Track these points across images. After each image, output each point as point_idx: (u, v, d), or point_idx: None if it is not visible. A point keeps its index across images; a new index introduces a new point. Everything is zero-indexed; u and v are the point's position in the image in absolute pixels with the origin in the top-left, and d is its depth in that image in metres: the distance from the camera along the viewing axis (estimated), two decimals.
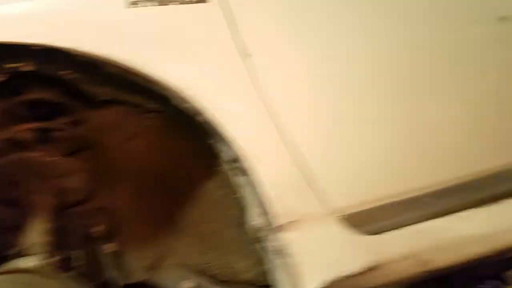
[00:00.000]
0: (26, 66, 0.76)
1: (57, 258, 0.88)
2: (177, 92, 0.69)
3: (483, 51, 0.90)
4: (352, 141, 0.74)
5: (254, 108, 0.71)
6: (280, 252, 0.68)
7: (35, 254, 0.84)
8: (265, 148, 0.68)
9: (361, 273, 0.66)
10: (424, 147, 0.77)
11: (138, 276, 1.00)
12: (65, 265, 0.93)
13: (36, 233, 0.86)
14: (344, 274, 0.66)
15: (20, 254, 0.86)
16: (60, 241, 0.91)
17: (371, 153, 0.74)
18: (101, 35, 0.71)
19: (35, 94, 0.88)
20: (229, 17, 0.81)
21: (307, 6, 0.87)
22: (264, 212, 0.66)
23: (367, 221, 0.68)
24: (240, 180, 0.77)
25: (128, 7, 0.75)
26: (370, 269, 0.66)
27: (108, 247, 0.99)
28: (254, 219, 0.69)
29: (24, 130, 0.91)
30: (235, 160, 0.71)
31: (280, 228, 0.65)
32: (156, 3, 0.77)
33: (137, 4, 0.75)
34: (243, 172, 0.70)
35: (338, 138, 0.74)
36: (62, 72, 0.77)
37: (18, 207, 0.91)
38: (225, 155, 0.78)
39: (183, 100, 0.69)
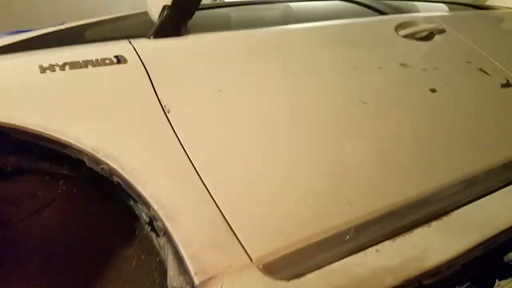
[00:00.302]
0: None
1: None
2: (91, 154, 0.68)
3: (390, 92, 1.04)
4: (268, 190, 0.77)
5: (170, 165, 0.73)
6: None
7: None
8: (182, 205, 0.68)
9: None
10: (338, 185, 0.82)
11: None
12: None
13: None
14: None
15: None
16: None
17: (287, 199, 0.77)
18: (13, 101, 0.70)
19: None
20: (146, 77, 0.85)
21: (222, 66, 0.96)
22: (184, 271, 0.65)
23: (287, 266, 0.69)
24: (160, 241, 0.76)
25: (43, 72, 0.76)
26: None
27: None
28: (175, 279, 0.67)
29: None
30: (154, 220, 0.71)
31: (201, 285, 0.64)
32: (71, 67, 0.79)
33: (50, 69, 0.76)
34: (162, 232, 0.70)
35: (254, 188, 0.77)
36: None
37: None
38: (144, 216, 0.77)
39: (98, 161, 0.69)
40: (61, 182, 0.89)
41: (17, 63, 0.79)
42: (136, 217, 0.90)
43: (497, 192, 0.94)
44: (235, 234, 0.69)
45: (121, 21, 1.27)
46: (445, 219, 0.84)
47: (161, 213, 0.66)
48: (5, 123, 0.66)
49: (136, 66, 0.88)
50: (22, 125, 0.67)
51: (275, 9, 1.71)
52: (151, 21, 1.08)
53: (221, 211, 0.70)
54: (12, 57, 0.84)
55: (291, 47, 1.10)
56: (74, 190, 0.91)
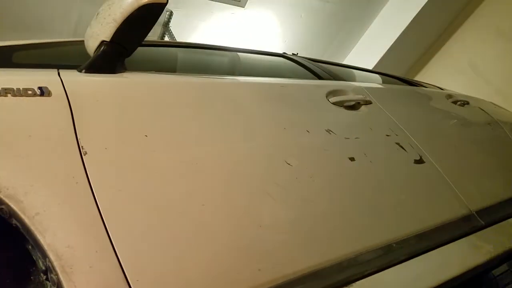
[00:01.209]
0: None
1: None
2: None
3: (313, 156, 1.08)
4: (175, 253, 0.74)
5: (76, 214, 0.68)
6: None
7: None
8: (80, 259, 0.64)
9: None
10: (248, 249, 0.82)
11: None
12: None
13: None
14: None
15: None
16: None
17: (193, 265, 0.74)
18: None
19: None
20: (69, 113, 0.81)
21: (153, 110, 0.95)
22: None
23: None
24: None
25: None
26: None
27: None
28: None
29: None
30: (48, 271, 0.65)
31: None
32: None
33: None
34: (55, 285, 0.64)
35: (161, 250, 0.73)
36: None
37: None
38: (40, 263, 0.71)
39: None
40: None
41: None
42: (32, 262, 0.83)
43: (408, 261, 1.01)
44: None
45: (55, 47, 1.22)
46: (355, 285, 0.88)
47: (57, 265, 0.62)
48: None
49: (60, 101, 0.84)
50: None
51: (218, 56, 1.76)
52: (82, 51, 1.05)
53: (123, 270, 0.67)
54: None
55: (227, 99, 1.12)
56: None
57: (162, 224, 0.75)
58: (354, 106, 1.38)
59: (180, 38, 3.55)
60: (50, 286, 0.76)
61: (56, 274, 0.61)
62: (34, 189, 0.68)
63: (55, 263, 0.62)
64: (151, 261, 0.70)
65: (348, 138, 1.19)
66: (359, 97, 1.43)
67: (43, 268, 0.71)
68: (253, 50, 1.81)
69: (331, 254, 0.91)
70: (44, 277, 0.76)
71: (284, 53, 2.05)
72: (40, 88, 0.83)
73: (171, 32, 3.49)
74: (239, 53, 1.81)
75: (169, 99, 1.01)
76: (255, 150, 1.01)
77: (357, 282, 0.90)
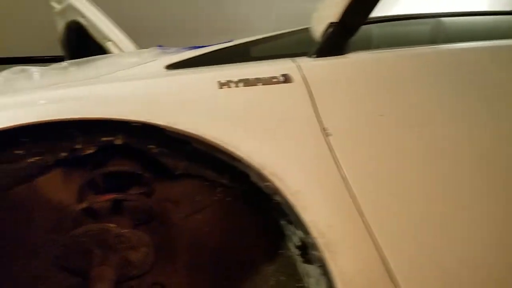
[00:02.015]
0: (118, 140, 0.82)
1: None
2: (258, 170, 0.69)
3: None
4: (432, 238, 0.69)
5: (330, 193, 0.70)
6: None
7: None
8: (343, 239, 0.64)
9: None
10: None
11: None
12: None
13: None
14: None
15: None
16: None
17: (450, 253, 0.68)
18: (194, 114, 0.75)
19: (114, 167, 0.94)
20: (310, 97, 0.85)
21: (385, 88, 0.89)
22: None
23: None
24: (309, 268, 0.72)
25: (220, 88, 0.81)
26: None
27: None
28: None
29: (101, 201, 0.94)
30: (308, 246, 0.68)
31: None
32: (243, 84, 0.83)
33: (227, 85, 0.81)
34: (315, 261, 0.66)
35: (418, 233, 0.68)
36: (149, 146, 0.83)
37: (80, 277, 0.90)
38: (296, 239, 0.75)
39: (263, 178, 0.69)
40: (218, 190, 0.94)
41: (198, 78, 0.87)
42: (281, 236, 0.89)
43: None
44: (393, 282, 0.62)
45: (279, 38, 1.30)
46: None
47: (321, 243, 0.63)
48: (190, 133, 0.72)
49: (301, 86, 0.87)
50: (204, 136, 0.72)
51: (441, 24, 1.55)
52: (308, 38, 1.08)
53: (381, 254, 0.64)
54: (193, 72, 0.92)
55: (468, 70, 0.96)
56: (228, 199, 0.95)
57: (416, 207, 0.70)
58: None
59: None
60: (301, 261, 0.80)
61: (320, 252, 0.63)
62: (291, 168, 0.72)
63: (318, 240, 0.63)
64: (408, 245, 0.66)
65: None
66: None
67: (299, 243, 0.75)
68: (481, 11, 1.53)
69: None
70: (297, 252, 0.80)
71: None
72: (283, 75, 0.89)
73: None
74: (461, 18, 1.56)
75: (402, 75, 0.94)
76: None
77: None
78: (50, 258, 0.89)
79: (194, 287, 0.97)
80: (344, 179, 0.71)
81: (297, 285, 0.84)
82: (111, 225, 0.82)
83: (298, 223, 0.68)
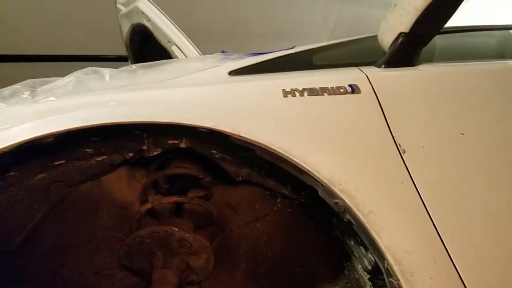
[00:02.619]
0: (183, 144, 0.83)
1: None
2: (327, 185, 0.67)
3: None
4: None
5: (406, 215, 0.65)
6: None
7: None
8: (420, 266, 0.59)
9: None
10: None
11: None
12: None
13: None
14: None
15: None
16: None
17: None
18: (258, 122, 0.74)
19: (177, 169, 0.95)
20: (381, 109, 0.80)
21: (464, 105, 0.84)
22: None
23: None
24: None
25: (285, 97, 0.79)
26: None
27: None
28: None
29: (165, 202, 0.96)
30: (385, 274, 0.63)
31: None
32: (309, 93, 0.81)
33: (291, 94, 0.80)
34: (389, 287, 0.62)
35: (500, 260, 0.63)
36: (212, 151, 0.83)
37: (141, 277, 0.92)
38: (366, 263, 0.71)
39: (332, 194, 0.66)
40: (278, 200, 0.93)
41: (262, 86, 0.85)
42: (346, 255, 0.86)
43: None
44: None
45: (343, 46, 1.27)
46: None
47: (397, 270, 0.59)
48: (255, 141, 0.71)
49: (370, 97, 0.83)
50: (268, 145, 0.70)
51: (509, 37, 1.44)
52: (374, 47, 1.03)
53: (462, 281, 0.59)
54: (257, 79, 0.91)
55: None
56: (289, 210, 0.93)
57: (498, 231, 0.64)
58: None
59: None
60: (371, 286, 0.76)
61: (397, 280, 0.59)
62: (363, 186, 0.68)
63: (395, 267, 0.59)
64: (491, 276, 0.60)
65: None
66: None
67: (369, 267, 0.72)
68: None
69: None
70: (366, 275, 0.76)
71: None
72: (350, 85, 0.86)
73: None
74: None
75: (480, 91, 0.87)
76: None
77: None
78: (111, 255, 0.92)
79: None
80: (419, 199, 0.66)
81: None
82: (175, 228, 0.83)
83: (372, 246, 0.64)
